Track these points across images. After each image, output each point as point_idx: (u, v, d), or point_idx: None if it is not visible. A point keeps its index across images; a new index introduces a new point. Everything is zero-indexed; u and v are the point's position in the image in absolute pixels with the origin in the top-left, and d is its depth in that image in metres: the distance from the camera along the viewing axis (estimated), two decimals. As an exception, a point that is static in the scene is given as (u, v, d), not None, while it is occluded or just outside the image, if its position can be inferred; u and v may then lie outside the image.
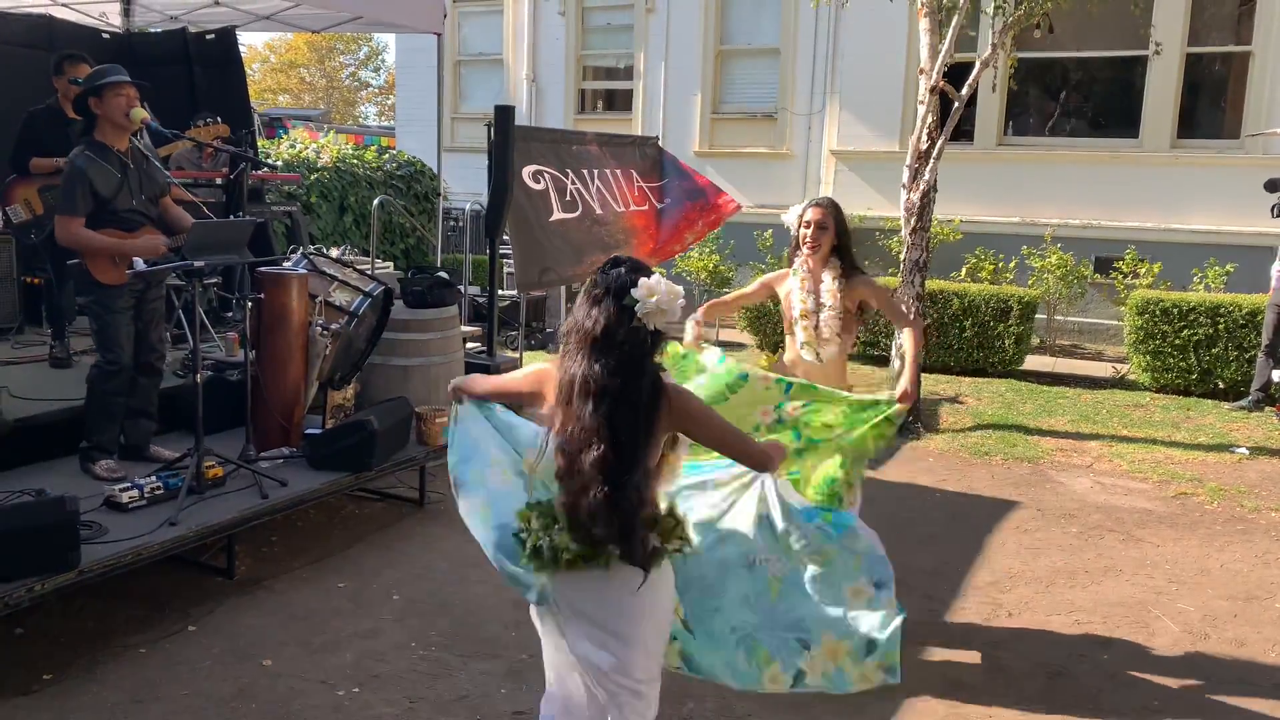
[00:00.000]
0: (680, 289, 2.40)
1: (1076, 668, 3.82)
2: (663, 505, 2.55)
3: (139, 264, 4.06)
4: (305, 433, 4.97)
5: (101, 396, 4.44)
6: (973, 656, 3.89)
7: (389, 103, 36.07)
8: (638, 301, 2.34)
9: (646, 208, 8.25)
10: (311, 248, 6.29)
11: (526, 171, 6.80)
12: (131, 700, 3.33)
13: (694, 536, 2.68)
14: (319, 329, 4.93)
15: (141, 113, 4.26)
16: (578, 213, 7.19)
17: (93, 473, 4.39)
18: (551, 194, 6.99)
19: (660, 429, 2.41)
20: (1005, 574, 4.71)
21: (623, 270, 2.40)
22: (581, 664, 2.54)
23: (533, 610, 2.65)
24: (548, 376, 2.52)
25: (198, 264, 4.07)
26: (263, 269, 4.89)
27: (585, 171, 7.48)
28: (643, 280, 2.36)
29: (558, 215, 7.01)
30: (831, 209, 3.98)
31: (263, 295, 4.71)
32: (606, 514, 2.34)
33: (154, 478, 4.17)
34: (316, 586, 4.28)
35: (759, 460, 2.61)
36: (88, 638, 3.74)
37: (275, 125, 17.93)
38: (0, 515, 3.43)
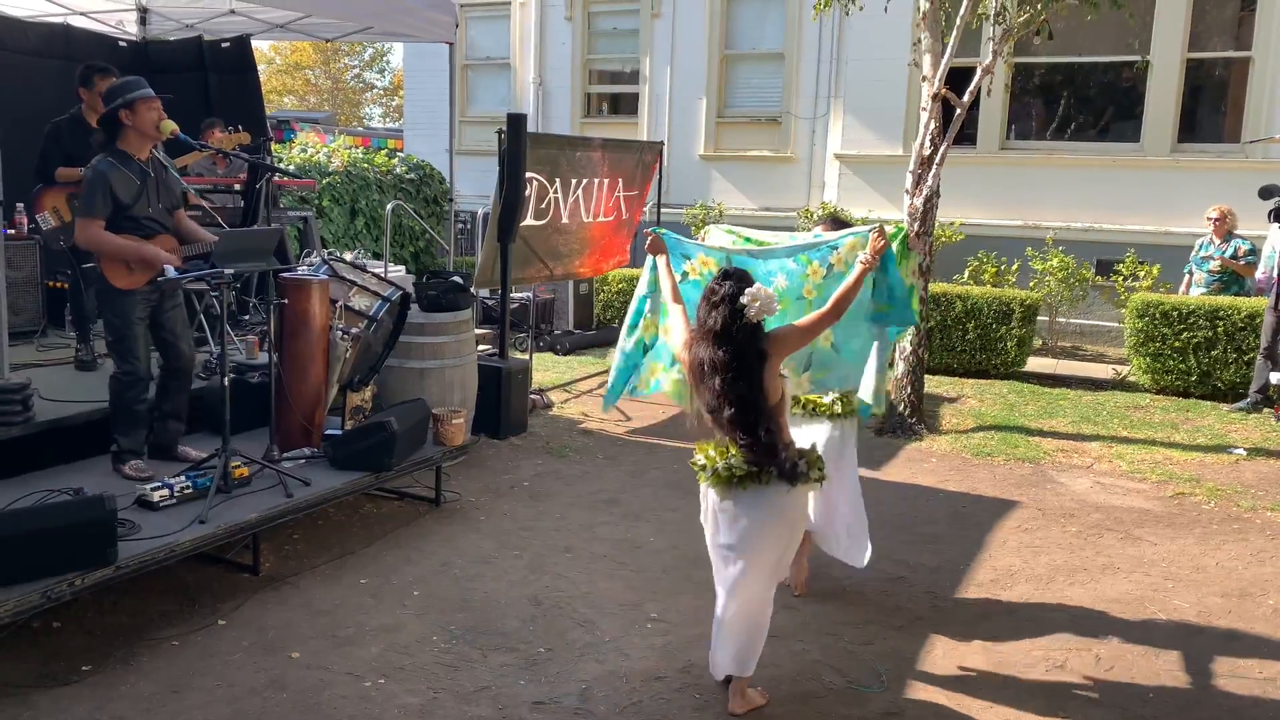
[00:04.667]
0: (771, 291, 3.35)
1: (1074, 661, 3.95)
2: (805, 446, 3.52)
3: (170, 271, 4.21)
4: (325, 434, 5.11)
5: (125, 404, 4.59)
6: (974, 650, 4.02)
7: (394, 104, 36.24)
8: (745, 305, 3.27)
9: (612, 219, 8.46)
10: (325, 252, 6.44)
11: None
12: (168, 690, 3.47)
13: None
14: (339, 333, 5.07)
15: (171, 125, 4.41)
16: (544, 221, 7.39)
17: (123, 473, 4.54)
18: (532, 201, 7.18)
19: (770, 376, 3.34)
20: (1006, 571, 4.85)
21: (732, 282, 3.35)
22: (722, 550, 3.46)
23: (704, 515, 3.59)
24: (684, 346, 3.54)
25: (227, 271, 4.21)
26: (285, 274, 5.04)
27: (573, 180, 7.67)
28: (748, 290, 3.30)
29: (528, 222, 7.20)
30: (833, 225, 4.47)
31: (285, 300, 4.86)
32: (752, 451, 3.31)
33: (183, 477, 4.32)
34: (339, 582, 4.43)
35: (833, 315, 3.54)
36: (123, 631, 3.88)
37: (282, 128, 18.09)
38: (43, 513, 3.59)
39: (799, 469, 3.36)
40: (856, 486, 4.46)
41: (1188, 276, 9.03)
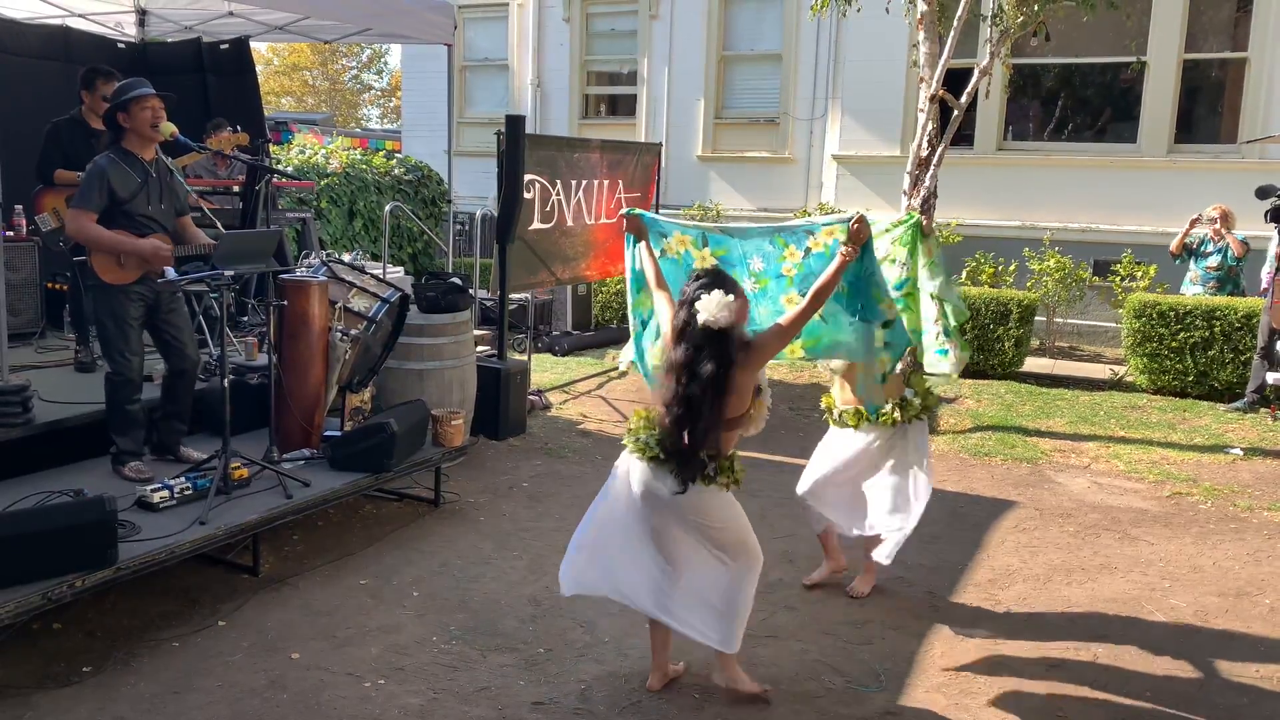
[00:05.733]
0: (728, 299, 3.22)
1: (1072, 659, 3.96)
2: (730, 450, 3.43)
3: (169, 273, 4.22)
4: (325, 435, 5.12)
5: (118, 405, 4.60)
6: (973, 648, 4.04)
7: (391, 105, 36.24)
8: (699, 311, 3.22)
9: (615, 221, 8.46)
10: (324, 253, 6.46)
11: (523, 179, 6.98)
12: (169, 691, 3.48)
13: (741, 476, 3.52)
14: (338, 334, 5.09)
15: (170, 126, 4.42)
16: (551, 224, 7.43)
17: (123, 474, 4.56)
18: (536, 204, 7.19)
19: (737, 385, 3.27)
20: (1004, 571, 4.86)
21: (696, 284, 3.31)
22: (650, 531, 3.48)
23: (614, 476, 3.59)
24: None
25: (228, 273, 4.22)
26: (284, 276, 5.05)
27: (574, 181, 7.69)
28: (704, 296, 3.23)
29: (535, 225, 7.23)
30: None
31: (285, 302, 4.87)
32: (680, 450, 3.31)
33: (183, 478, 4.33)
34: (338, 583, 4.43)
35: (812, 309, 3.50)
36: (123, 633, 3.89)
37: (280, 129, 18.08)
38: (43, 514, 3.60)
39: (705, 471, 3.33)
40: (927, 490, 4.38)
41: (1189, 226, 8.97)
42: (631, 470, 3.50)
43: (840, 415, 4.43)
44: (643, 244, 3.95)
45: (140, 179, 4.46)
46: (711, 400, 3.25)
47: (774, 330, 3.48)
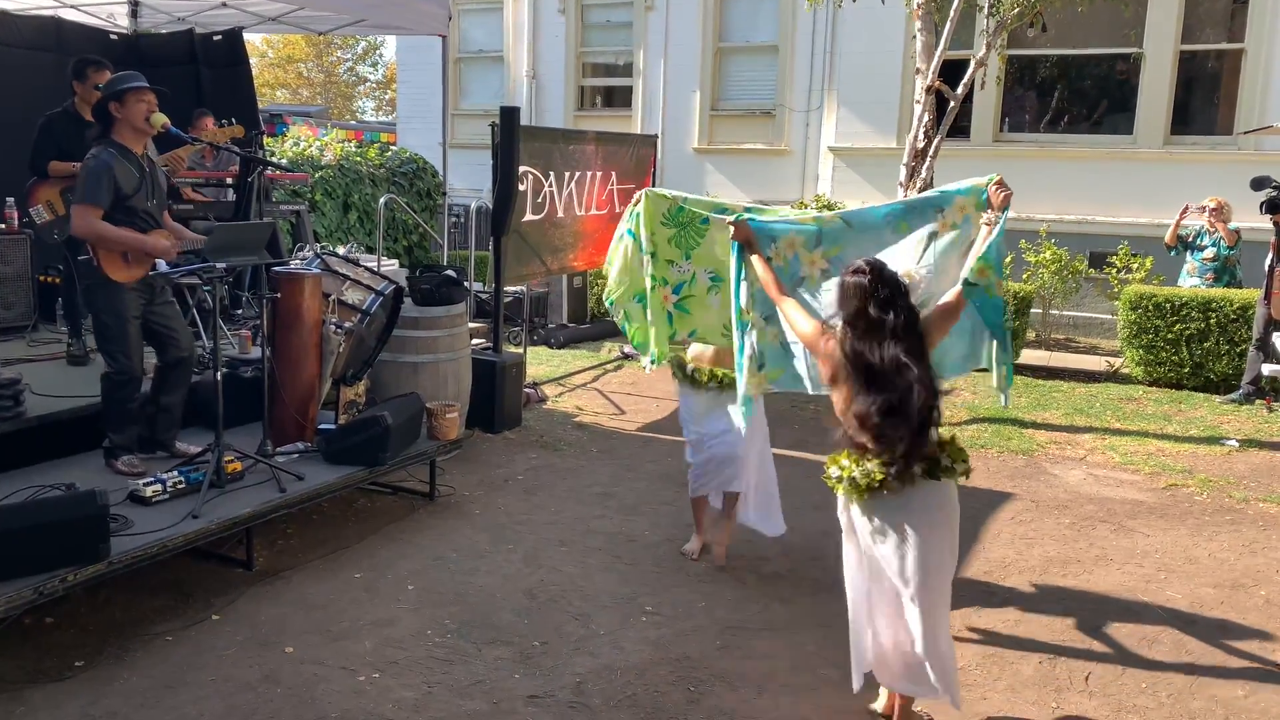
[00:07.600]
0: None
1: (1067, 652, 3.96)
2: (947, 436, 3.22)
3: (161, 265, 4.20)
4: (319, 428, 5.10)
5: (116, 403, 4.57)
6: (968, 642, 4.02)
7: (386, 97, 36.16)
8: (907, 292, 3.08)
9: (605, 212, 8.47)
10: (318, 245, 6.43)
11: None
12: (162, 686, 3.47)
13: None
14: (333, 327, 5.06)
15: (162, 118, 4.39)
16: (541, 215, 7.41)
17: (115, 468, 4.53)
18: (529, 195, 7.18)
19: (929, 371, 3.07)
20: (1000, 563, 4.86)
21: (852, 274, 3.11)
22: (884, 564, 3.21)
23: (845, 532, 3.36)
24: (830, 349, 3.17)
25: (219, 265, 4.19)
26: (278, 269, 5.03)
27: (567, 173, 7.68)
28: (884, 280, 3.06)
29: (527, 217, 7.22)
30: None
31: (279, 294, 4.85)
32: (905, 457, 3.06)
33: (176, 472, 4.31)
34: (333, 577, 4.42)
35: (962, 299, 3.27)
36: (116, 627, 3.87)
37: (275, 121, 18.01)
38: (34, 509, 3.58)
39: (940, 464, 3.14)
40: (767, 454, 4.62)
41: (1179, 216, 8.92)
42: (853, 517, 3.25)
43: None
44: (756, 256, 3.64)
45: (138, 174, 4.42)
46: (932, 393, 3.05)
47: (938, 311, 3.24)
